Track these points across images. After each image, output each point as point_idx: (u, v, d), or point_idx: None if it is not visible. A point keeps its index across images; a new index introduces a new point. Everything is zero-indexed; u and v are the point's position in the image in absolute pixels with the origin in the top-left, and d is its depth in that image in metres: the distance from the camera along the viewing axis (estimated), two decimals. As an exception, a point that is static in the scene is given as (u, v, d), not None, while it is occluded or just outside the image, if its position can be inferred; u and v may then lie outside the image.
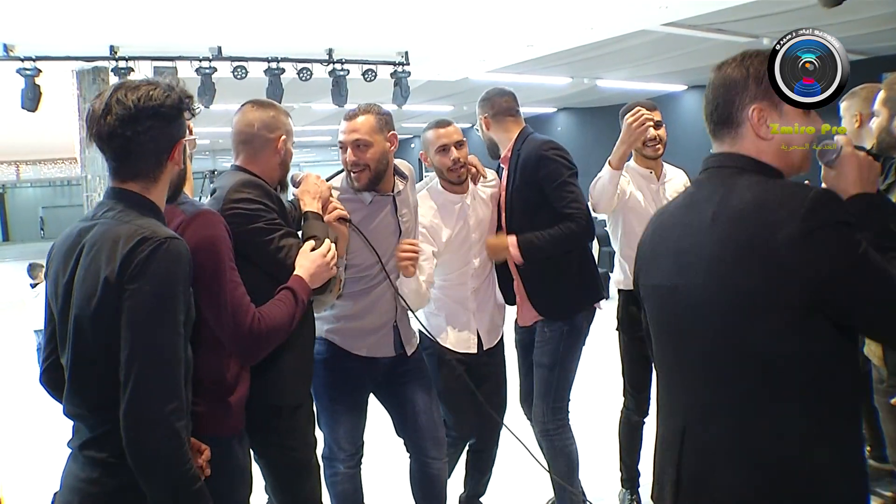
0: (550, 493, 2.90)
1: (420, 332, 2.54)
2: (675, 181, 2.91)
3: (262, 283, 1.77)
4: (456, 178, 2.51)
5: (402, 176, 2.35)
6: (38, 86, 6.15)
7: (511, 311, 2.76)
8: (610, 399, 3.19)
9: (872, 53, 8.36)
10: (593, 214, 2.58)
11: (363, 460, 2.40)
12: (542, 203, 2.48)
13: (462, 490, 2.89)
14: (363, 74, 7.17)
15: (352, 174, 2.23)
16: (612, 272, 3.11)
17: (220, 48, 6.56)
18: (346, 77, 7.10)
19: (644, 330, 1.47)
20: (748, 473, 1.18)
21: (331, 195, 2.13)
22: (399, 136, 2.29)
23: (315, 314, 2.09)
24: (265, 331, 1.64)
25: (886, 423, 2.43)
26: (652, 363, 1.48)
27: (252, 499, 1.54)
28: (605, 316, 2.83)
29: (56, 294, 1.39)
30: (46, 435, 3.82)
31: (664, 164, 2.91)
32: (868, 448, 2.92)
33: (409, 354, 2.39)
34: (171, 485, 1.29)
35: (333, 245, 1.92)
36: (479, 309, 2.63)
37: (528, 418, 2.81)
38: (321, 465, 2.13)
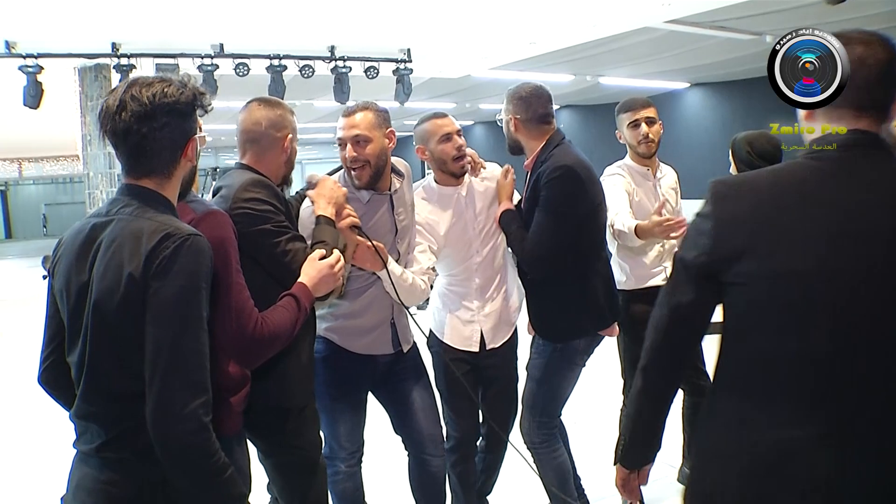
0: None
1: (430, 330, 2.52)
2: (668, 177, 2.95)
3: (265, 284, 1.76)
4: (459, 169, 2.46)
5: (399, 174, 2.34)
6: (41, 83, 6.16)
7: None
8: (610, 399, 3.19)
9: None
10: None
11: (364, 459, 2.39)
12: None
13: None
14: (365, 71, 7.18)
15: (352, 171, 2.21)
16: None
17: (222, 45, 6.56)
18: (349, 74, 7.11)
19: (701, 324, 1.30)
20: None
21: (346, 202, 2.10)
22: (402, 135, 2.28)
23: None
24: (267, 336, 1.63)
25: None
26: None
27: (252, 499, 1.55)
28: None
29: (67, 291, 1.36)
30: (46, 435, 3.83)
31: (658, 161, 2.93)
32: None
33: (405, 352, 2.39)
34: (203, 476, 1.29)
35: (342, 255, 1.90)
36: (484, 306, 2.55)
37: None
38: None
